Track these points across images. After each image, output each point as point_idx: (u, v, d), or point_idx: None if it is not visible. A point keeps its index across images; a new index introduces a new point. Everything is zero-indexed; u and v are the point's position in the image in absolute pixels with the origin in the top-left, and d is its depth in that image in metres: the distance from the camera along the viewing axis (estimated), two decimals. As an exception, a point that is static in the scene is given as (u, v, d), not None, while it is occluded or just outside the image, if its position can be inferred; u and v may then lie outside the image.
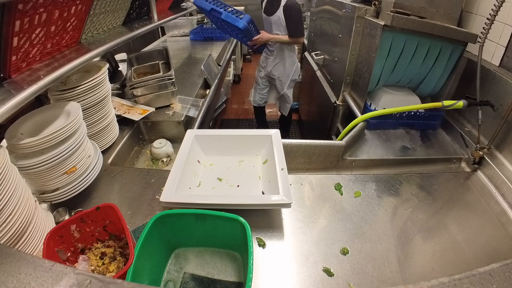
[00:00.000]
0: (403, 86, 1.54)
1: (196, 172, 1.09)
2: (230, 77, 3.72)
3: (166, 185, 0.91)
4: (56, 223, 0.88)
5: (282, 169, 0.96)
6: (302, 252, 0.83)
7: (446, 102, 1.20)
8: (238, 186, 1.05)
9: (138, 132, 1.53)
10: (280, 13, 2.23)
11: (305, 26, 2.78)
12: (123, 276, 0.62)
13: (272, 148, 1.07)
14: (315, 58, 2.21)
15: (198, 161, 1.14)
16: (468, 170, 1.21)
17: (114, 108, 1.46)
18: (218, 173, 1.10)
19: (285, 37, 2.32)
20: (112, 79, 1.89)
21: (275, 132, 1.15)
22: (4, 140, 0.85)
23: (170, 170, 0.97)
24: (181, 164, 1.00)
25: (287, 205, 0.86)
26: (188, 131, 1.18)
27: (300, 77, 3.10)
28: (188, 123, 1.56)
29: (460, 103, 1.18)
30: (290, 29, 2.28)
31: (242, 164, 1.15)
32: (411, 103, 1.51)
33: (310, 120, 2.80)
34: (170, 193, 0.88)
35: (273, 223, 0.91)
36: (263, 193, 1.00)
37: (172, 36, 3.38)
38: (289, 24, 2.25)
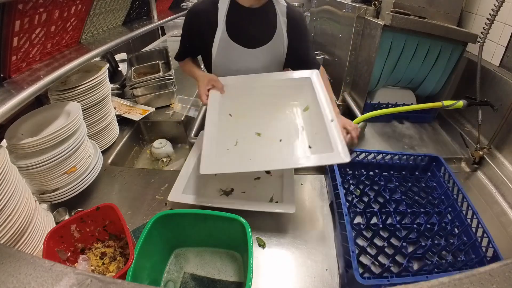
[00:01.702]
0: (403, 86, 1.54)
1: (231, 129, 0.93)
2: (230, 77, 3.71)
3: (205, 151, 0.74)
4: (56, 223, 0.88)
5: (332, 121, 0.81)
6: (302, 251, 0.83)
7: (446, 102, 1.20)
8: (280, 140, 0.89)
9: (138, 132, 1.53)
10: (281, 31, 1.09)
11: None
12: (123, 276, 0.62)
13: (313, 93, 0.91)
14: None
15: (230, 114, 0.97)
16: (468, 170, 1.21)
17: (114, 108, 1.46)
18: (255, 127, 0.94)
19: (328, 86, 1.14)
20: (112, 79, 1.89)
21: (314, 73, 0.98)
22: (4, 140, 0.85)
23: (170, 170, 0.97)
24: (214, 123, 0.83)
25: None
26: (211, 90, 0.98)
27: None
28: (188, 123, 1.56)
29: (460, 103, 1.18)
30: (311, 55, 1.21)
31: (279, 114, 0.98)
32: (405, 97, 1.51)
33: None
34: (211, 161, 0.72)
35: (273, 223, 0.91)
36: (310, 147, 0.87)
37: (172, 36, 3.37)
38: (305, 46, 1.17)
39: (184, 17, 1.10)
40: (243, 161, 0.77)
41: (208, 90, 0.99)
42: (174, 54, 1.22)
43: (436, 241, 0.82)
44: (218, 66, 1.11)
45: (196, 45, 1.14)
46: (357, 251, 0.71)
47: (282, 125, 0.94)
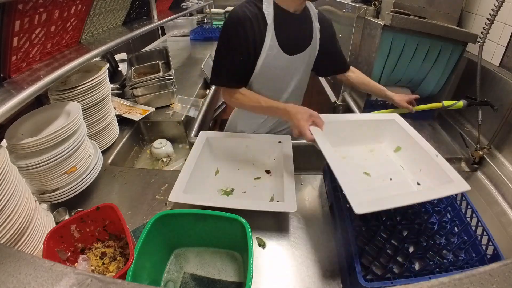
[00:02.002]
0: (403, 86, 1.54)
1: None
2: (230, 77, 3.70)
3: (347, 189, 0.70)
4: (56, 223, 0.88)
5: (437, 156, 0.84)
6: (302, 251, 0.83)
7: (446, 102, 1.20)
8: (391, 179, 0.90)
9: (138, 132, 1.53)
10: (316, 36, 1.08)
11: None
12: (123, 276, 0.62)
13: (403, 133, 0.95)
14: (315, 58, 2.21)
15: None
16: (468, 170, 1.21)
17: (114, 108, 1.46)
18: (361, 167, 0.93)
19: (368, 78, 1.26)
20: (112, 79, 1.89)
21: (396, 116, 1.02)
22: (4, 140, 0.85)
23: (170, 170, 0.97)
24: (338, 159, 0.80)
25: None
26: (311, 127, 0.91)
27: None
28: (188, 123, 1.56)
29: (460, 103, 1.18)
30: (343, 57, 1.24)
31: (375, 154, 0.99)
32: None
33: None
34: (361, 200, 0.68)
35: (273, 223, 0.91)
36: (418, 184, 0.87)
37: (172, 36, 3.37)
38: (339, 49, 1.21)
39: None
40: (388, 197, 0.72)
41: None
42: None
43: (436, 241, 0.82)
44: (258, 76, 1.03)
45: (248, 57, 0.98)
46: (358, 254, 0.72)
47: (382, 165, 0.95)
